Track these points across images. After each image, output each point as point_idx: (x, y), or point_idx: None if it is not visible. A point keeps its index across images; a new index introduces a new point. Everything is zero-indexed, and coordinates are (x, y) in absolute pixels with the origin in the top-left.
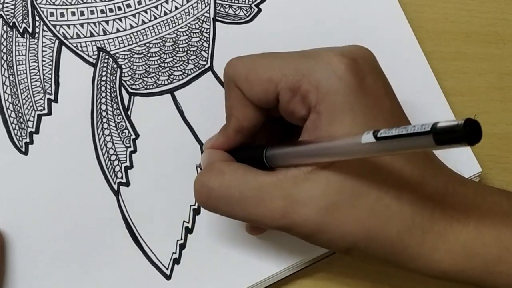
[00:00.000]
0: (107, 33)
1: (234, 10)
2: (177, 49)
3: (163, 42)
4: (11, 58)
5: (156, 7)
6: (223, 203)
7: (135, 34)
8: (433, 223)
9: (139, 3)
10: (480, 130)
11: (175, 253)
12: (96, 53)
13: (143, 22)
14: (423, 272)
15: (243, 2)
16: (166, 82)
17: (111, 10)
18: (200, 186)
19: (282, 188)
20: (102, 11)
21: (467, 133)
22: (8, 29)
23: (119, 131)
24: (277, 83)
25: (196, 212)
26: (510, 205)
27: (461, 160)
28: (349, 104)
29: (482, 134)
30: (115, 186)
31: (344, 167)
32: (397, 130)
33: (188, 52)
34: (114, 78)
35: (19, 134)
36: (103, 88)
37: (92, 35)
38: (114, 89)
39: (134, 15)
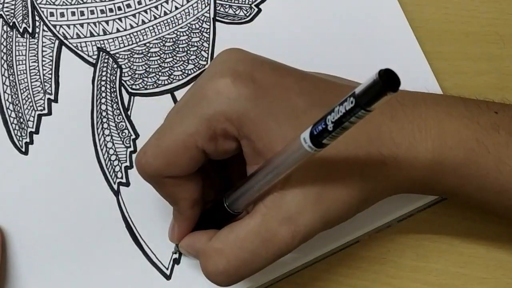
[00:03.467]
0: (107, 33)
1: (234, 10)
2: (177, 49)
3: (163, 42)
4: (11, 58)
5: (156, 7)
6: (242, 267)
7: (135, 34)
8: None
9: (139, 3)
10: (396, 75)
11: (175, 253)
12: (96, 53)
13: (143, 22)
14: (404, 174)
15: (243, 2)
16: (166, 82)
17: (111, 10)
18: (215, 276)
19: (274, 217)
20: (102, 11)
21: (385, 82)
22: (8, 29)
23: (119, 131)
24: (195, 143)
25: None
26: (467, 109)
27: None
28: (262, 111)
29: (399, 79)
30: (115, 186)
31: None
32: (326, 120)
33: (188, 52)
34: (114, 78)
35: (19, 134)
36: (103, 88)
37: (92, 35)
38: (114, 89)
39: (134, 15)
